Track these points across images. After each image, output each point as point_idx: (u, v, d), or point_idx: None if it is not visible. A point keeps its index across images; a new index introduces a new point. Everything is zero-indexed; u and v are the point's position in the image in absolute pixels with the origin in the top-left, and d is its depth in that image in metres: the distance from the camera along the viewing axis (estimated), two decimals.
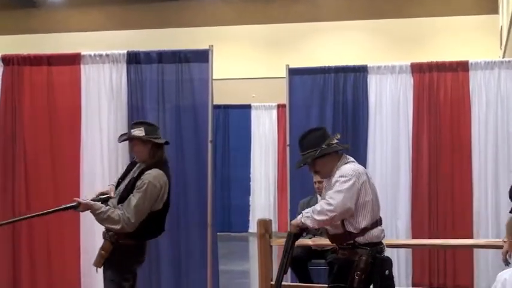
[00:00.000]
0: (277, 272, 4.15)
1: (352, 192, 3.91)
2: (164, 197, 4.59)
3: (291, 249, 4.11)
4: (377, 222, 4.03)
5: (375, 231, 3.98)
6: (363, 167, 4.15)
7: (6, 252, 6.21)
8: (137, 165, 4.70)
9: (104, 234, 4.58)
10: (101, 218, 4.44)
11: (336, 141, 4.12)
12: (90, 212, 4.49)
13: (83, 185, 6.12)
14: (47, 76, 6.29)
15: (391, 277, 4.02)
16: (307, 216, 4.01)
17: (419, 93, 6.83)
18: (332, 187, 3.99)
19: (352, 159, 4.16)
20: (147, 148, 4.62)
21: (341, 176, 3.96)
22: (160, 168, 4.59)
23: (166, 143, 4.79)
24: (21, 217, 5.46)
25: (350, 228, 3.96)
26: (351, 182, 3.92)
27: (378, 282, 3.90)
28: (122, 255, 4.51)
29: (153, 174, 4.53)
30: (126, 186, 4.59)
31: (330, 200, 3.92)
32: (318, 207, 3.98)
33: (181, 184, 6.06)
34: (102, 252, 4.52)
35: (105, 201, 4.56)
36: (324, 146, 4.06)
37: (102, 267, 4.58)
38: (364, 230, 3.95)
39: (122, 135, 4.95)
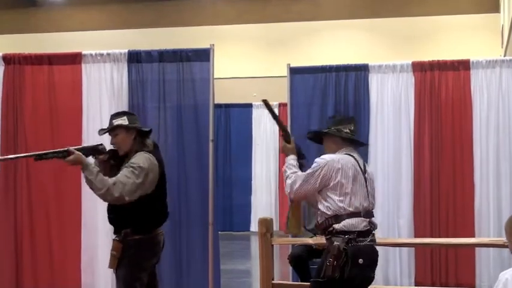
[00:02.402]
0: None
1: (314, 181, 4.01)
2: (154, 179, 4.50)
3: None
4: (359, 214, 3.99)
5: (352, 220, 3.94)
6: (349, 158, 4.09)
7: (8, 249, 6.23)
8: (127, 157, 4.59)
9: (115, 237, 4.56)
10: (89, 174, 4.37)
11: (347, 130, 4.11)
12: (81, 167, 4.40)
13: (84, 184, 6.09)
14: (48, 75, 6.30)
15: (364, 266, 3.93)
16: (291, 164, 4.18)
17: (421, 92, 6.82)
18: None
19: (347, 151, 4.13)
20: (130, 137, 4.55)
21: (313, 166, 4.05)
22: (149, 152, 4.53)
23: (150, 131, 4.71)
24: (18, 155, 5.30)
25: (327, 212, 3.98)
26: (317, 173, 4.00)
27: (348, 269, 3.87)
28: (133, 252, 4.46)
29: (140, 157, 4.46)
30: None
31: (296, 181, 4.06)
32: (295, 176, 4.09)
33: (182, 183, 6.07)
34: (114, 253, 4.48)
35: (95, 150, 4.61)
36: (333, 128, 4.08)
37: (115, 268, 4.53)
38: (340, 217, 3.93)
39: (101, 129, 4.79)
